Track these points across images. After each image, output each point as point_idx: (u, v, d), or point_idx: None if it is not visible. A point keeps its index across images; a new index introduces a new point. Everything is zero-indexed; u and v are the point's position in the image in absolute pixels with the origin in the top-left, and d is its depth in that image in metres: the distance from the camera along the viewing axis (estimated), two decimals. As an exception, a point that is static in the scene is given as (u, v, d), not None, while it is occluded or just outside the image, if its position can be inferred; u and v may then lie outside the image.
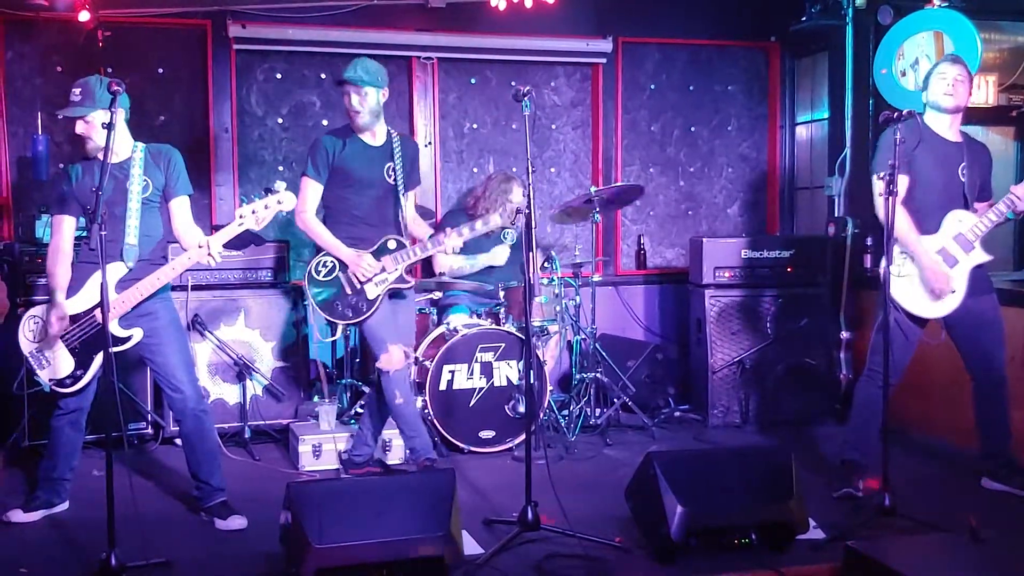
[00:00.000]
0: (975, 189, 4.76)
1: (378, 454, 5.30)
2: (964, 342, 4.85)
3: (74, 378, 4.34)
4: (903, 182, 4.57)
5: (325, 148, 4.81)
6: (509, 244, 5.95)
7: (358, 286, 4.77)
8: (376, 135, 4.88)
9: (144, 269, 4.31)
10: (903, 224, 4.60)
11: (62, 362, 4.34)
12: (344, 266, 4.79)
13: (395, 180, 4.87)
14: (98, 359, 4.29)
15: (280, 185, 4.30)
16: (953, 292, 4.65)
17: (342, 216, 4.87)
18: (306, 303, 6.08)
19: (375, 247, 4.81)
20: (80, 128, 4.30)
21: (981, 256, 4.70)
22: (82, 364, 4.33)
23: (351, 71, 4.72)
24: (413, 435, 4.90)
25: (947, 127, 4.75)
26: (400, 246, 4.82)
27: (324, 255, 4.84)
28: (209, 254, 4.23)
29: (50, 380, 4.35)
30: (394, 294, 4.86)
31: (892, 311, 4.57)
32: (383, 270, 4.78)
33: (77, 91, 4.26)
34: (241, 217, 4.23)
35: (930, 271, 4.62)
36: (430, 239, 4.82)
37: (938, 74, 4.72)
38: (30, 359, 4.38)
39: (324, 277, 4.82)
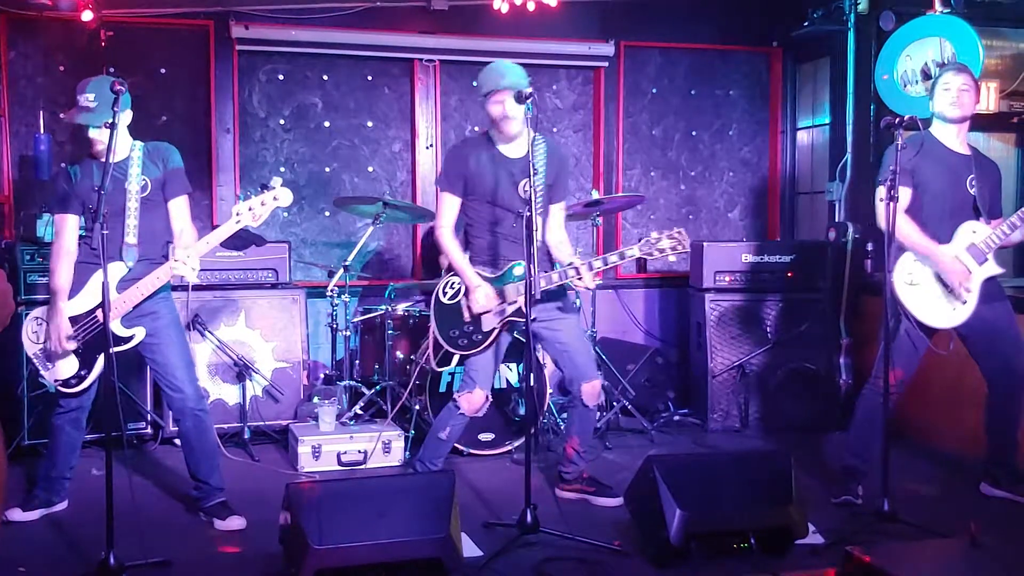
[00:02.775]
0: (986, 202, 4.70)
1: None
2: (980, 351, 4.80)
3: (79, 378, 4.33)
4: (905, 193, 4.57)
5: (459, 160, 4.59)
6: None
7: (477, 314, 4.55)
8: (518, 145, 4.61)
9: (145, 268, 4.30)
10: (912, 231, 4.59)
11: (66, 363, 4.33)
12: (469, 291, 4.57)
13: (531, 196, 4.34)
14: (102, 359, 4.29)
15: (276, 181, 4.25)
16: (965, 303, 4.60)
17: (482, 231, 4.64)
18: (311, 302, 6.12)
19: (500, 272, 4.59)
20: (95, 133, 4.26)
21: (993, 268, 4.66)
22: (86, 364, 4.33)
23: (505, 78, 4.43)
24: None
25: (954, 137, 4.70)
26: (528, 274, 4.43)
27: (452, 275, 4.65)
28: (185, 265, 4.15)
29: (55, 381, 4.35)
30: (513, 327, 4.66)
31: (903, 320, 4.59)
32: (502, 301, 4.55)
33: (91, 96, 4.17)
34: (238, 214, 4.22)
35: (949, 270, 4.57)
36: (561, 271, 4.51)
37: (942, 85, 4.67)
38: (35, 360, 4.38)
39: (448, 300, 4.62)
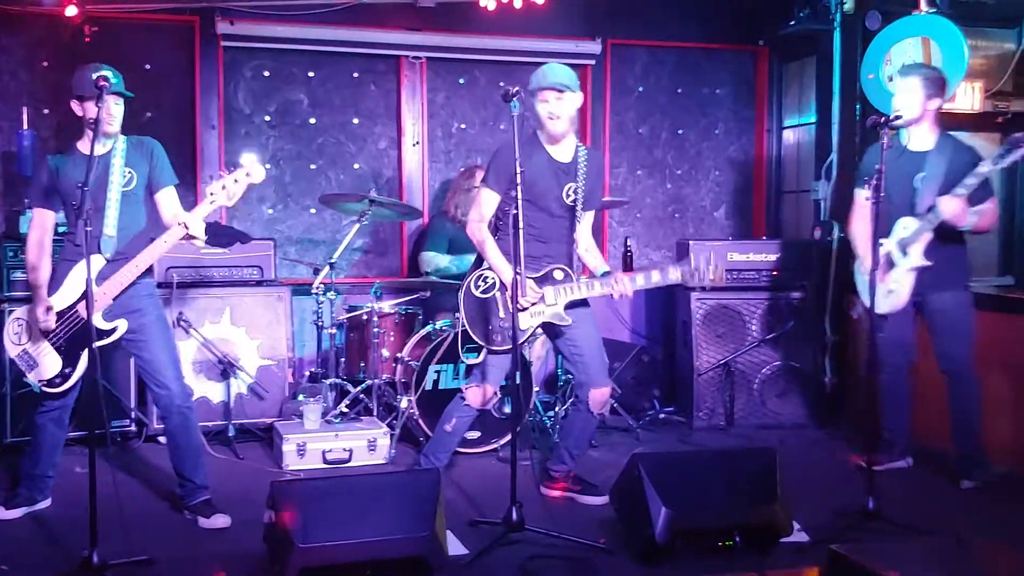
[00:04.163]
0: (931, 197, 4.80)
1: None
2: (932, 338, 5.08)
3: (63, 377, 4.30)
4: (862, 193, 5.01)
5: (508, 158, 4.38)
6: None
7: (511, 311, 4.36)
8: (565, 148, 4.61)
9: (123, 261, 4.27)
10: (852, 229, 5.15)
11: (49, 362, 4.30)
12: (504, 287, 4.51)
13: (575, 201, 4.54)
14: (85, 355, 4.26)
15: (247, 157, 4.21)
16: (891, 292, 4.92)
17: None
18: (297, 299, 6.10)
19: (540, 274, 4.54)
20: (115, 109, 4.23)
21: (915, 260, 4.84)
22: (70, 362, 4.30)
23: (552, 76, 4.46)
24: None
25: (909, 136, 4.92)
26: (567, 278, 4.54)
27: (485, 269, 4.59)
28: (190, 232, 4.17)
29: (39, 381, 4.31)
30: (550, 330, 4.65)
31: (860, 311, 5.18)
32: (542, 300, 4.52)
33: (108, 74, 4.07)
34: (212, 194, 4.18)
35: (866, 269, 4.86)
36: (601, 278, 4.55)
37: (893, 88, 4.92)
38: (17, 361, 4.34)
39: (481, 293, 4.57)
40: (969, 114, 6.49)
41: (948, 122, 6.50)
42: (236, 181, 4.17)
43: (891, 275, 4.93)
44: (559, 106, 4.48)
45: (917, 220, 4.84)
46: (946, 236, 4.84)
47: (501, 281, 4.55)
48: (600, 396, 4.69)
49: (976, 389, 5.02)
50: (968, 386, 5.00)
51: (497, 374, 4.70)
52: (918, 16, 5.99)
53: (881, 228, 4.72)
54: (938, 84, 4.94)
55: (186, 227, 4.19)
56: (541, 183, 4.53)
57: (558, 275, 4.56)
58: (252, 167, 4.19)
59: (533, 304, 4.51)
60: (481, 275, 4.62)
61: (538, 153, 4.57)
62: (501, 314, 4.56)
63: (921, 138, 4.94)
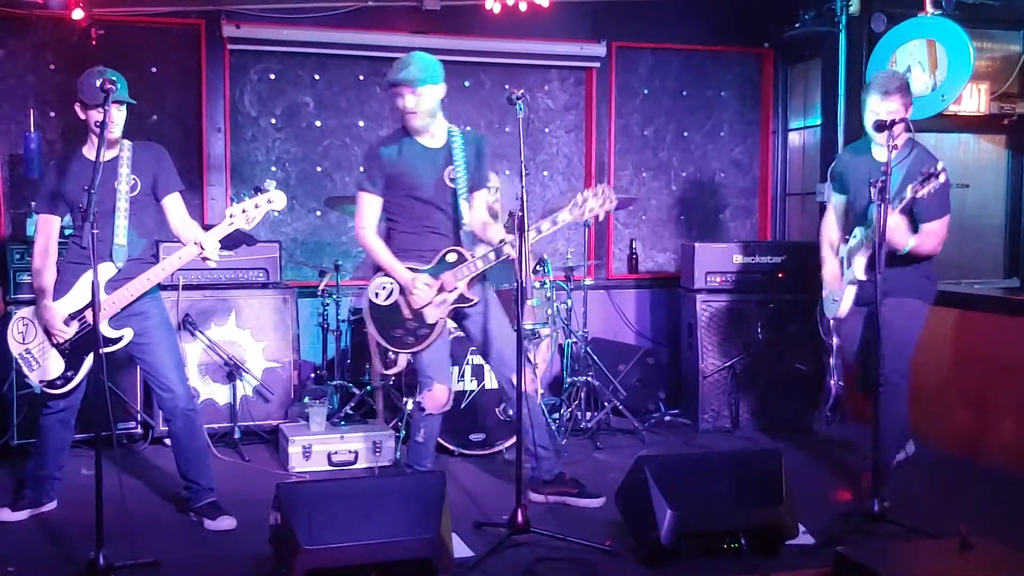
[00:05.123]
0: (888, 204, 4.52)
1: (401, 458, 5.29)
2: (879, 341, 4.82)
3: (64, 379, 4.31)
4: (840, 200, 5.01)
5: (380, 158, 4.48)
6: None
7: (419, 309, 4.47)
8: (435, 135, 4.54)
9: (133, 269, 4.29)
10: (821, 231, 5.12)
11: (52, 363, 4.32)
12: (404, 289, 4.49)
13: (455, 181, 4.51)
14: (88, 360, 4.27)
15: (270, 184, 4.24)
16: (835, 301, 4.93)
17: (405, 226, 4.56)
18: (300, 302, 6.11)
19: (433, 262, 4.50)
20: (118, 116, 4.26)
21: (856, 274, 4.75)
22: (73, 365, 4.31)
23: (404, 71, 4.36)
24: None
25: (878, 144, 4.67)
26: (460, 259, 4.49)
27: (383, 276, 4.54)
28: (204, 254, 4.20)
29: (40, 382, 4.33)
30: (457, 314, 4.59)
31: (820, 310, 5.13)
32: (441, 289, 4.49)
33: (113, 77, 4.08)
34: (231, 216, 4.21)
35: (824, 271, 5.05)
36: (494, 250, 4.43)
37: (870, 111, 4.64)
38: (20, 361, 4.35)
39: (384, 301, 4.51)
40: (975, 116, 6.48)
41: (954, 124, 6.55)
42: (257, 206, 4.21)
43: (836, 284, 4.98)
44: (414, 101, 4.39)
45: (864, 231, 4.72)
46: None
47: (400, 284, 4.50)
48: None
49: (904, 406, 4.78)
50: (896, 400, 4.65)
51: (439, 370, 4.60)
52: (923, 18, 5.98)
53: (849, 233, 4.86)
54: (908, 89, 4.73)
55: (202, 248, 4.20)
56: (418, 173, 4.50)
57: (451, 258, 4.49)
58: (275, 194, 4.23)
59: (434, 297, 4.45)
60: (379, 283, 4.55)
61: (409, 145, 4.52)
62: (407, 315, 4.49)
63: (890, 144, 4.50)
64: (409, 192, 4.50)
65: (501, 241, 4.43)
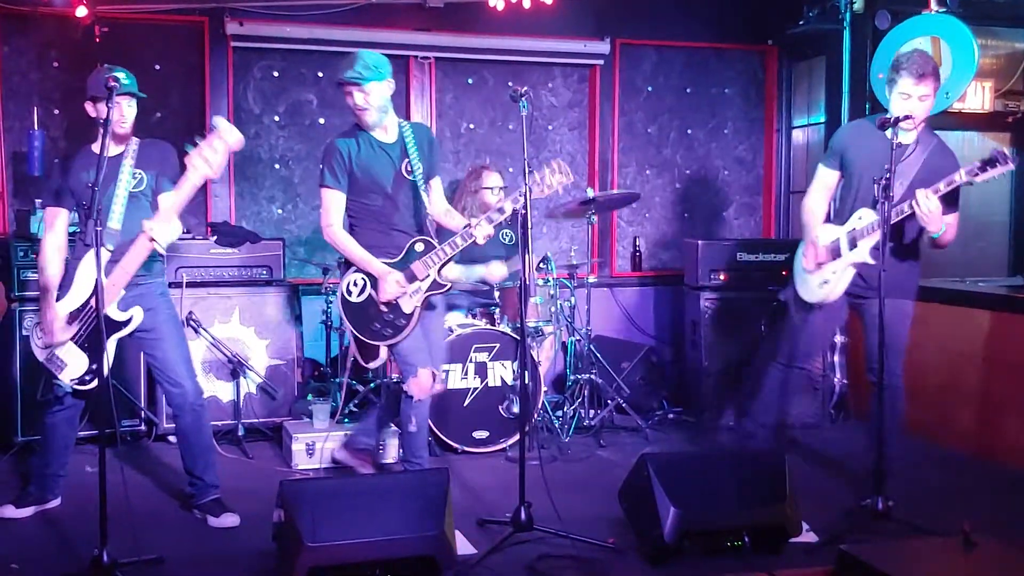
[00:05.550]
0: (900, 191, 4.48)
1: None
2: (866, 344, 4.84)
3: (92, 373, 4.28)
4: (832, 175, 4.81)
5: (340, 153, 4.51)
6: (507, 266, 5.89)
7: (392, 301, 4.51)
8: (388, 130, 4.59)
9: (125, 249, 4.22)
10: (806, 203, 4.87)
11: (76, 360, 4.30)
12: (376, 281, 4.51)
13: (412, 172, 4.56)
14: (111, 347, 4.25)
15: (218, 120, 4.09)
16: (826, 282, 4.71)
17: (369, 223, 4.58)
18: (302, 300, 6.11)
19: (402, 254, 4.53)
20: (127, 111, 4.27)
21: (861, 256, 4.59)
22: (96, 358, 4.29)
23: (349, 69, 4.42)
24: (413, 460, 4.73)
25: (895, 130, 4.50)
26: (428, 248, 4.51)
27: (354, 272, 4.55)
28: (152, 240, 4.13)
29: (71, 380, 4.31)
30: (427, 304, 4.60)
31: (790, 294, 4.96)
32: (413, 279, 4.51)
33: (121, 75, 4.11)
34: (194, 167, 4.06)
35: (812, 245, 4.77)
36: (460, 235, 4.45)
37: (900, 91, 4.51)
38: (46, 365, 4.33)
39: (357, 297, 4.54)
40: (979, 114, 6.47)
41: (958, 122, 6.54)
42: (213, 147, 4.04)
43: (831, 265, 4.69)
44: (362, 98, 4.45)
45: (875, 213, 4.51)
46: (903, 243, 4.63)
47: (372, 277, 4.51)
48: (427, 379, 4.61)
49: (901, 403, 4.72)
50: (895, 399, 4.61)
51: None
52: (928, 15, 5.97)
53: (847, 215, 4.66)
54: (939, 73, 4.65)
55: (150, 239, 4.13)
56: (377, 167, 4.54)
57: (419, 247, 4.53)
58: (226, 130, 4.06)
59: (404, 291, 4.48)
60: (351, 280, 4.57)
61: (365, 140, 4.56)
62: (383, 308, 4.51)
63: (904, 131, 4.53)
64: (372, 187, 4.54)
65: (467, 225, 4.48)
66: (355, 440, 5.16)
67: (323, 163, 4.59)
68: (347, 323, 4.59)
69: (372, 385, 5.82)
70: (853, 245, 4.63)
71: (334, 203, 4.56)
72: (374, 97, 4.46)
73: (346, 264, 4.63)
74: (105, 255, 4.21)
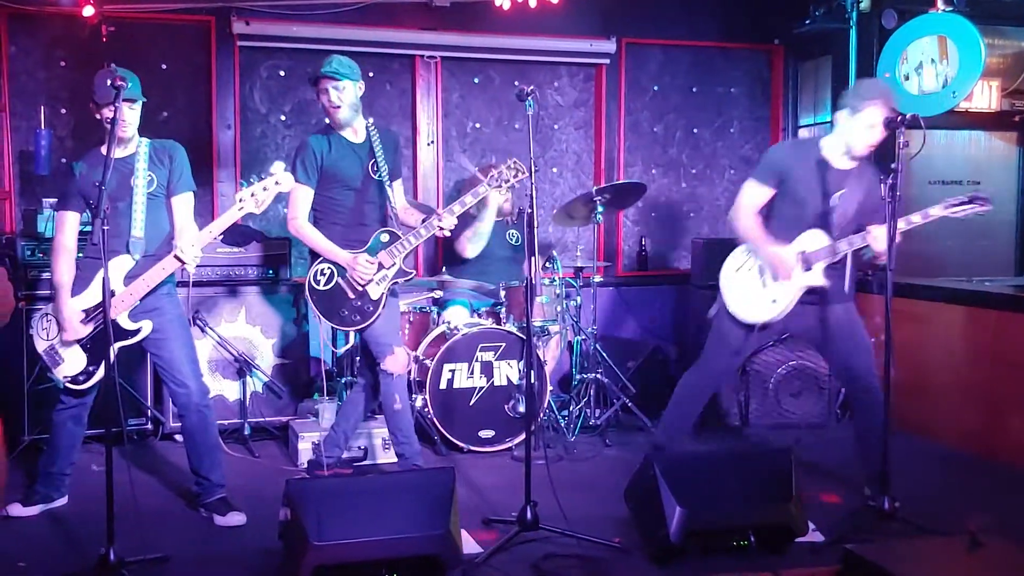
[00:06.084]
0: (848, 216, 4.55)
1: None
2: (827, 354, 4.87)
3: (87, 374, 4.33)
4: (763, 192, 4.67)
5: (313, 150, 4.71)
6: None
7: (360, 288, 4.67)
8: (357, 131, 4.82)
9: (150, 262, 4.31)
10: (750, 223, 4.68)
11: (75, 359, 4.33)
12: (343, 270, 4.69)
13: (379, 175, 4.80)
14: (111, 353, 4.27)
15: (277, 166, 4.31)
16: (775, 301, 4.64)
17: (333, 218, 4.77)
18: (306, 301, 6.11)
19: (368, 245, 4.72)
20: (129, 115, 4.29)
21: (816, 279, 4.57)
22: (94, 360, 4.33)
23: (326, 66, 4.65)
24: (404, 442, 4.84)
25: (840, 155, 4.55)
26: (393, 238, 4.71)
27: (321, 262, 4.73)
28: (182, 262, 4.24)
29: (64, 377, 4.35)
30: (391, 291, 4.79)
31: (720, 312, 4.86)
32: (381, 267, 4.70)
33: (124, 77, 4.08)
34: (241, 201, 4.26)
35: (773, 262, 4.61)
36: (423, 224, 4.68)
37: (866, 121, 4.40)
38: (44, 357, 4.37)
39: (324, 285, 4.71)
40: (986, 113, 6.46)
41: (965, 121, 6.53)
42: (265, 189, 4.26)
43: (780, 285, 4.63)
44: (337, 95, 4.67)
45: (827, 237, 4.54)
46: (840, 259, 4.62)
47: (338, 265, 4.70)
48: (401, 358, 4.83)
49: (881, 399, 4.58)
50: (875, 397, 4.53)
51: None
52: (934, 14, 5.97)
53: (786, 235, 4.59)
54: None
55: (182, 262, 4.24)
56: (347, 165, 4.76)
57: (384, 238, 4.74)
58: (281, 175, 4.29)
59: (375, 274, 4.68)
60: (318, 270, 4.73)
61: (336, 140, 4.78)
62: (351, 295, 4.70)
63: (849, 157, 4.56)
64: (341, 183, 4.74)
65: (431, 215, 4.71)
66: (319, 459, 5.07)
67: (295, 159, 4.75)
68: (316, 311, 4.76)
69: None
70: (806, 267, 4.58)
71: (302, 198, 4.73)
72: (347, 95, 4.70)
73: (312, 255, 4.79)
74: (130, 263, 4.27)
